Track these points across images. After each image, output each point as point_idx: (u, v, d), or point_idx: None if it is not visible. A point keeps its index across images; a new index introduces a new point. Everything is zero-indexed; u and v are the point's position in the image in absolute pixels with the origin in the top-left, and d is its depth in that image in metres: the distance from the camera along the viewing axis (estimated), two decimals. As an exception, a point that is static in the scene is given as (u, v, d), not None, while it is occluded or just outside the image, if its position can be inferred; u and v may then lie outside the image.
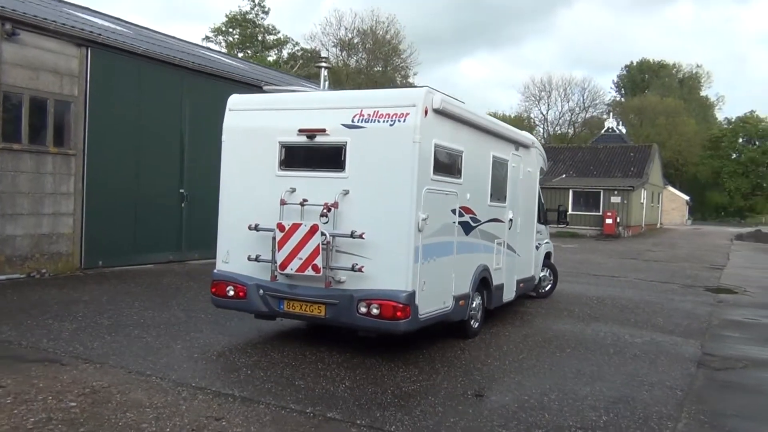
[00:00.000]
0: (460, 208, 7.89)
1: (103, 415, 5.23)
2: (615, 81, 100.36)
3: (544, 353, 8.02)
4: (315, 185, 7.25)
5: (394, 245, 6.82)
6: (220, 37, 55.50)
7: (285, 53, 57.78)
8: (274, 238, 7.13)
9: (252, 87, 17.21)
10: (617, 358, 7.99)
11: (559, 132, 76.25)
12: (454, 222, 7.77)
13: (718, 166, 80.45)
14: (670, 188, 57.57)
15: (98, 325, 8.31)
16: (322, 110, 7.35)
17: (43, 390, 5.72)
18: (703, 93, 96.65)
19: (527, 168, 10.55)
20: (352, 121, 7.08)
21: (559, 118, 78.83)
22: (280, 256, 7.09)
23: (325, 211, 7.02)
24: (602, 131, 57.63)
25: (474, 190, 8.29)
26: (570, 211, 32.22)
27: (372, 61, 58.97)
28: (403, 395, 6.11)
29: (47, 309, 9.13)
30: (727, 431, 5.63)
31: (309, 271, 6.98)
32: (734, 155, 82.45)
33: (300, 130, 7.32)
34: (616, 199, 34.09)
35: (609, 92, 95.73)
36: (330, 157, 7.21)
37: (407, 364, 7.13)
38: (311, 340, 8.02)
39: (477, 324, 8.63)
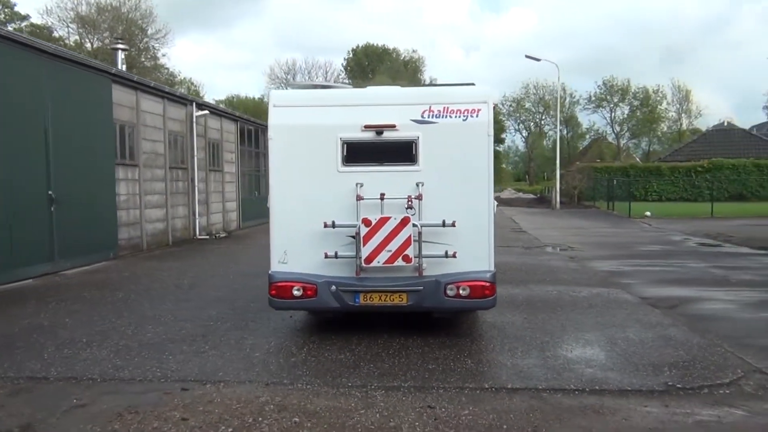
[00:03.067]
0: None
1: (337, 424, 5.17)
2: (343, 64, 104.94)
3: (547, 313, 9.27)
4: (384, 179, 7.48)
5: (477, 230, 7.44)
6: None
7: (10, 28, 50.41)
8: (357, 234, 7.26)
9: (104, 73, 15.68)
10: (599, 309, 9.59)
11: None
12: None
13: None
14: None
15: (129, 348, 7.46)
16: (386, 106, 7.56)
17: (233, 413, 5.35)
18: (422, 76, 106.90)
19: None
20: (422, 116, 7.47)
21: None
22: (366, 250, 7.25)
23: (409, 203, 7.34)
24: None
25: None
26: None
27: (115, 40, 54.40)
28: (520, 362, 6.89)
29: (30, 338, 7.83)
30: (761, 347, 7.43)
31: (399, 262, 7.27)
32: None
33: (366, 126, 7.47)
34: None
35: (340, 75, 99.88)
36: (400, 152, 7.50)
37: (476, 341, 7.83)
38: (357, 328, 8.13)
39: None
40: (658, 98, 74.51)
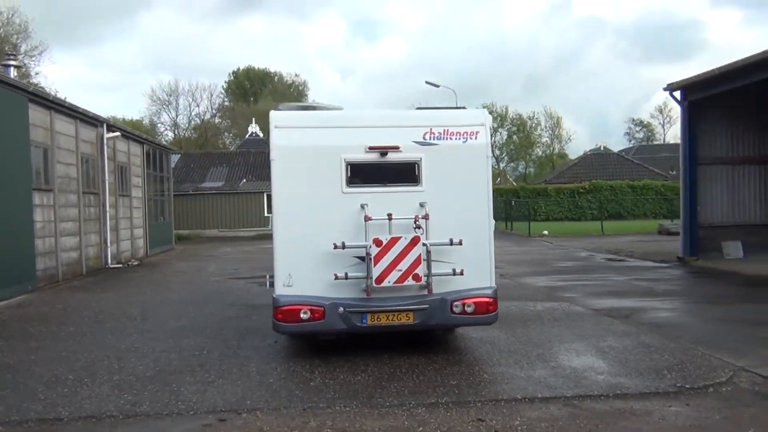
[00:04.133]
0: None
1: (405, 442, 5.19)
2: (224, 87, 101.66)
3: (522, 327, 9.67)
4: (388, 200, 7.57)
5: (479, 248, 7.72)
6: None
7: None
8: (368, 254, 7.29)
9: (21, 91, 14.65)
10: (565, 321, 10.16)
11: (193, 137, 76.26)
12: None
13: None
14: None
15: (129, 382, 7.00)
16: (388, 128, 7.70)
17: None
18: (305, 100, 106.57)
19: None
20: (424, 138, 7.67)
21: (189, 123, 79.29)
22: (377, 270, 7.29)
23: (417, 223, 7.47)
24: (247, 135, 60.01)
25: None
26: (266, 214, 34.24)
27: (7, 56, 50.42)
28: (533, 373, 7.19)
29: (3, 378, 7.15)
30: (730, 348, 8.17)
31: (409, 281, 7.37)
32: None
33: (370, 147, 7.56)
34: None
35: (221, 97, 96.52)
36: (403, 173, 7.65)
37: (477, 355, 8.09)
38: (355, 350, 8.07)
39: None
40: (533, 124, 79.15)
